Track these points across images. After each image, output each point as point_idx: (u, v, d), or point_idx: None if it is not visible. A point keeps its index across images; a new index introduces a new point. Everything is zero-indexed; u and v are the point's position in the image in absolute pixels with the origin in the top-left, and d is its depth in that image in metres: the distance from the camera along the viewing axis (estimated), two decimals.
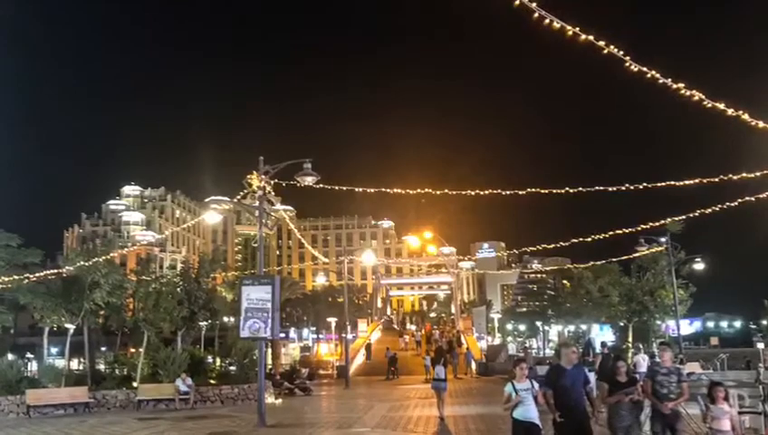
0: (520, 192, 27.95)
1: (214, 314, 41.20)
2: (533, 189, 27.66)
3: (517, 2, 13.71)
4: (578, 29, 14.36)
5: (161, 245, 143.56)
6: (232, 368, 40.08)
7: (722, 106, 16.78)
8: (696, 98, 16.27)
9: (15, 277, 34.86)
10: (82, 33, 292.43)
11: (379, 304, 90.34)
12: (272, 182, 25.87)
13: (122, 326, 41.65)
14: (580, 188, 26.73)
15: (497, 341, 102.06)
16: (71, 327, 35.97)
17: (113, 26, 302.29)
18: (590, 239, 35.11)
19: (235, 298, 41.76)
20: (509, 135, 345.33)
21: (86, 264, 34.26)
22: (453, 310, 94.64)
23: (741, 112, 17.03)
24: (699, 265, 46.66)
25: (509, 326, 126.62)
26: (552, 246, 42.29)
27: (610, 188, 26.22)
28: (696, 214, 29.76)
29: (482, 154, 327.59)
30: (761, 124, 17.19)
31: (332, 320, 77.88)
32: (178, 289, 38.06)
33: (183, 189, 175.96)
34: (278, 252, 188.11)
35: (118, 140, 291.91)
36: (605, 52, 14.70)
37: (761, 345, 60.36)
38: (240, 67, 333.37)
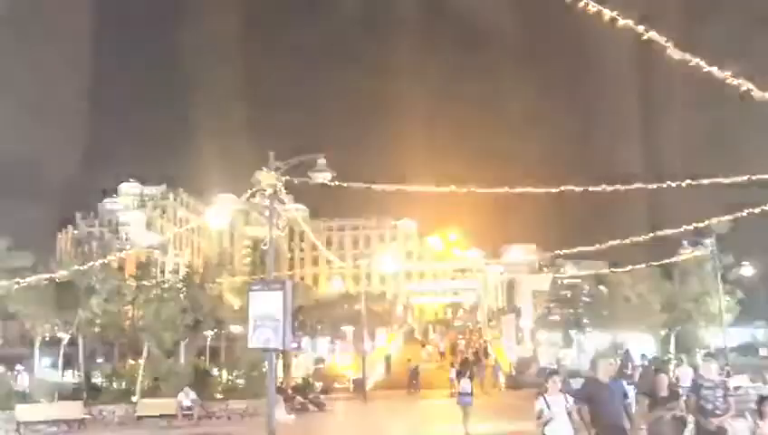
0: (552, 190, 27.79)
1: (220, 323, 41.34)
2: (568, 187, 27.48)
3: None
4: (615, 13, 14.32)
5: (163, 247, 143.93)
6: (239, 381, 40.23)
7: None
8: (744, 88, 16.17)
9: (4, 283, 35.04)
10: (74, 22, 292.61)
11: (400, 312, 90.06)
12: (283, 179, 25.90)
13: (120, 336, 41.84)
14: (619, 186, 26.56)
15: (528, 352, 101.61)
16: (64, 337, 36.17)
17: (109, 14, 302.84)
18: (628, 241, 34.91)
19: (242, 305, 41.88)
20: (541, 128, 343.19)
21: (81, 268, 34.28)
22: (479, 318, 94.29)
23: None
24: (748, 270, 46.32)
25: (541, 336, 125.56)
26: (591, 248, 41.84)
27: (650, 186, 26.02)
28: (745, 214, 29.53)
29: (512, 148, 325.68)
30: None
31: (349, 329, 77.90)
32: (182, 295, 38.19)
33: (186, 187, 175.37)
34: (289, 255, 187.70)
35: (115, 133, 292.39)
36: (644, 38, 14.64)
37: None
38: (248, 56, 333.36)
